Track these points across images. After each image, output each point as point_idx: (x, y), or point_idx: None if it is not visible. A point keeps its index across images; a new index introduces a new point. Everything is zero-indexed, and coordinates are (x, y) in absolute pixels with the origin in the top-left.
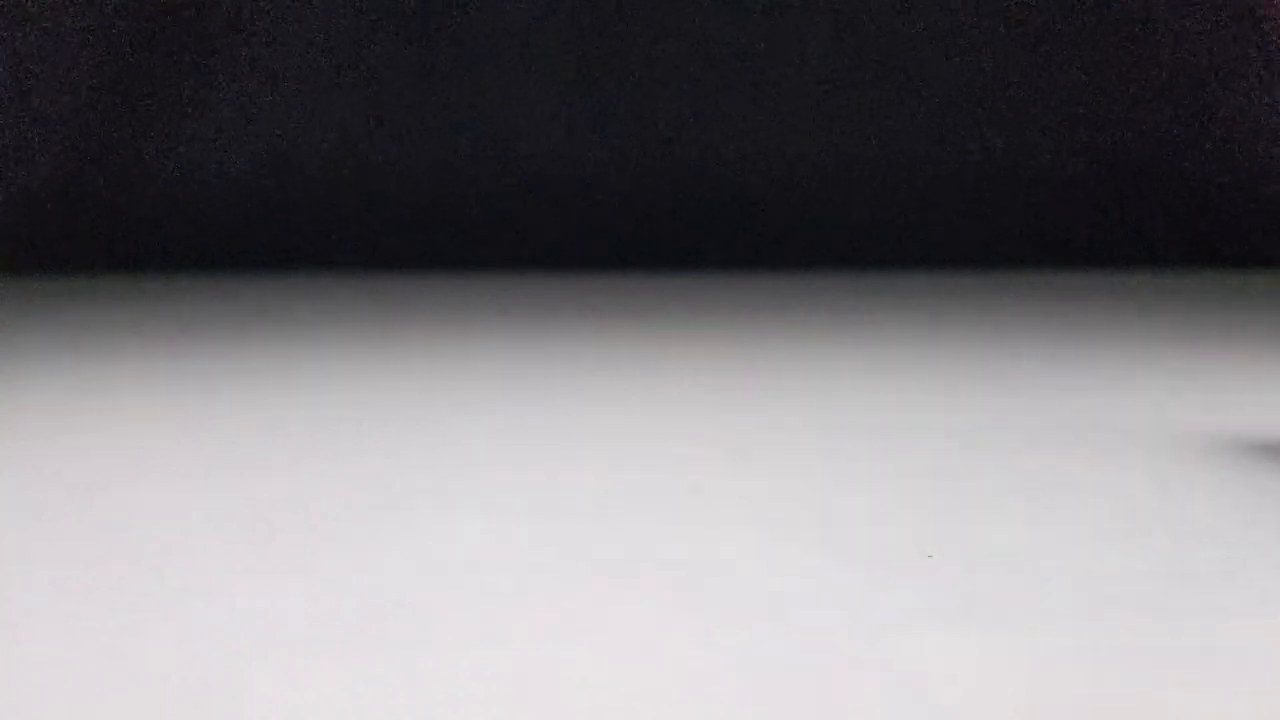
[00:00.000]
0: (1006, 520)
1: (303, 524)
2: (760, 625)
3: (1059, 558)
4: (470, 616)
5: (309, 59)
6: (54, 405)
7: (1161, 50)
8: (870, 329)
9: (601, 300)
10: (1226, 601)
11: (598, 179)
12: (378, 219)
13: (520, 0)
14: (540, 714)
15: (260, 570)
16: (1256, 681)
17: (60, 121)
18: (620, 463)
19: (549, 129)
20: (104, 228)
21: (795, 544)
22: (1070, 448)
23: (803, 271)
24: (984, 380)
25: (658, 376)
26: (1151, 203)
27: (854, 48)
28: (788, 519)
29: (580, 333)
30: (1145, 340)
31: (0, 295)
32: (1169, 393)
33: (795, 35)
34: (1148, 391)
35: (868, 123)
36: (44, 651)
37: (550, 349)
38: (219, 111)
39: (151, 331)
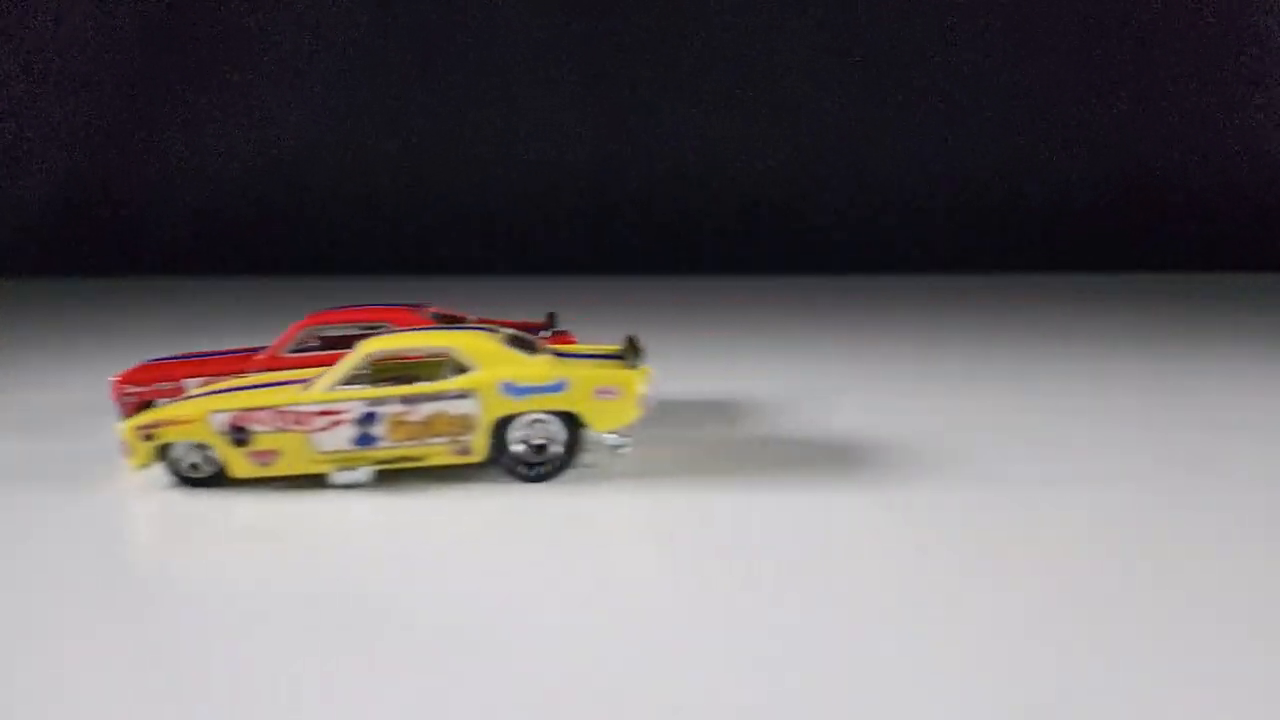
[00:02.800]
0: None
1: (302, 513)
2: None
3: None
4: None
5: (317, 68)
6: (57, 403)
7: (1162, 62)
8: (874, 330)
9: (602, 301)
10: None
11: (601, 186)
12: (382, 224)
13: (529, 14)
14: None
15: (259, 559)
16: None
17: (70, 127)
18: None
19: (553, 138)
20: (112, 231)
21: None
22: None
23: (802, 275)
24: (994, 377)
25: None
26: (1153, 209)
27: (857, 59)
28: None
29: (581, 331)
30: (1148, 339)
31: (2, 295)
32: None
33: (795, 45)
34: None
35: (870, 133)
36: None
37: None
38: (229, 118)
39: (156, 331)
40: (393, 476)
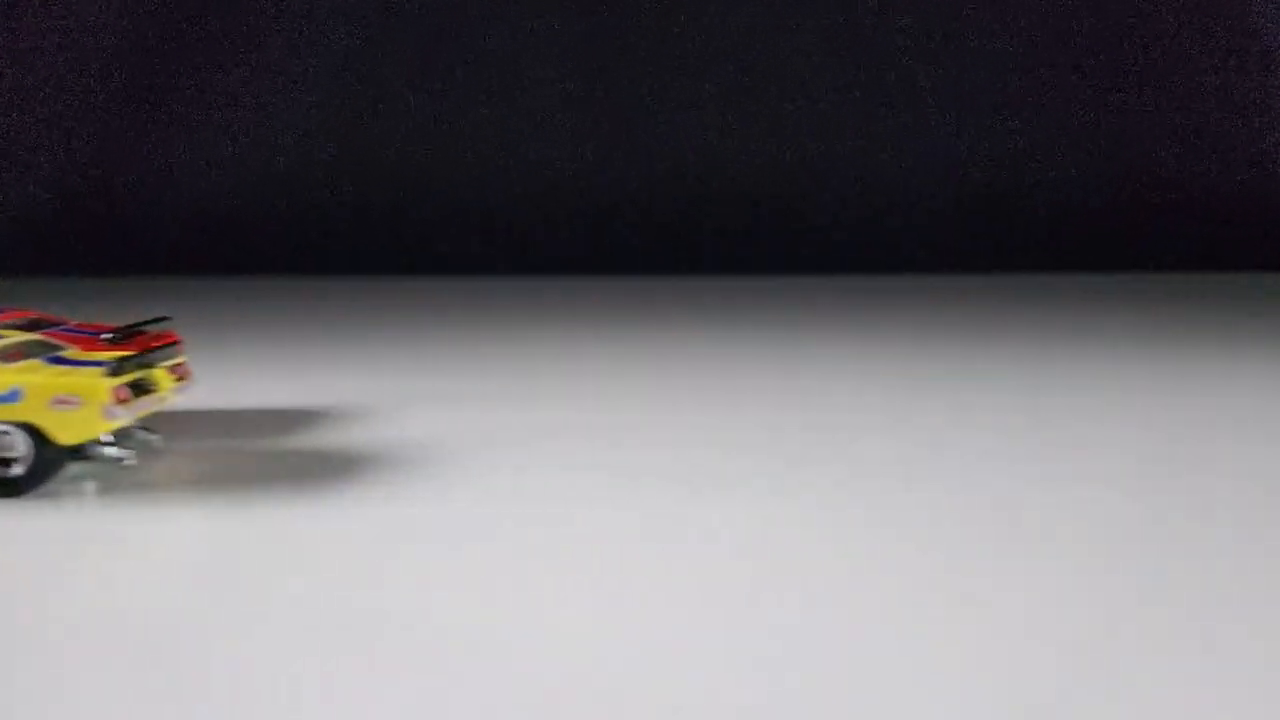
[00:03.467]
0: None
1: (304, 514)
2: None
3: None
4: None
5: (317, 66)
6: None
7: (1163, 62)
8: (875, 329)
9: (603, 302)
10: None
11: (601, 186)
12: (381, 223)
13: (529, 12)
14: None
15: (260, 558)
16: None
17: (70, 126)
18: (626, 450)
19: (553, 138)
20: (112, 231)
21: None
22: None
23: (802, 275)
24: (994, 376)
25: (660, 375)
26: (1153, 209)
27: (856, 59)
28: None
29: (581, 332)
30: (1150, 338)
31: (4, 295)
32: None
33: (795, 45)
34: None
35: (870, 132)
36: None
37: (550, 347)
38: (228, 117)
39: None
40: (402, 479)
